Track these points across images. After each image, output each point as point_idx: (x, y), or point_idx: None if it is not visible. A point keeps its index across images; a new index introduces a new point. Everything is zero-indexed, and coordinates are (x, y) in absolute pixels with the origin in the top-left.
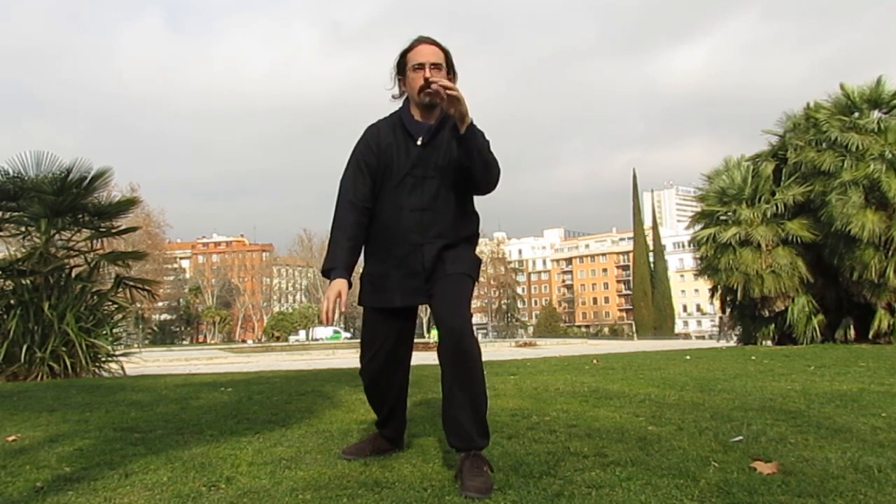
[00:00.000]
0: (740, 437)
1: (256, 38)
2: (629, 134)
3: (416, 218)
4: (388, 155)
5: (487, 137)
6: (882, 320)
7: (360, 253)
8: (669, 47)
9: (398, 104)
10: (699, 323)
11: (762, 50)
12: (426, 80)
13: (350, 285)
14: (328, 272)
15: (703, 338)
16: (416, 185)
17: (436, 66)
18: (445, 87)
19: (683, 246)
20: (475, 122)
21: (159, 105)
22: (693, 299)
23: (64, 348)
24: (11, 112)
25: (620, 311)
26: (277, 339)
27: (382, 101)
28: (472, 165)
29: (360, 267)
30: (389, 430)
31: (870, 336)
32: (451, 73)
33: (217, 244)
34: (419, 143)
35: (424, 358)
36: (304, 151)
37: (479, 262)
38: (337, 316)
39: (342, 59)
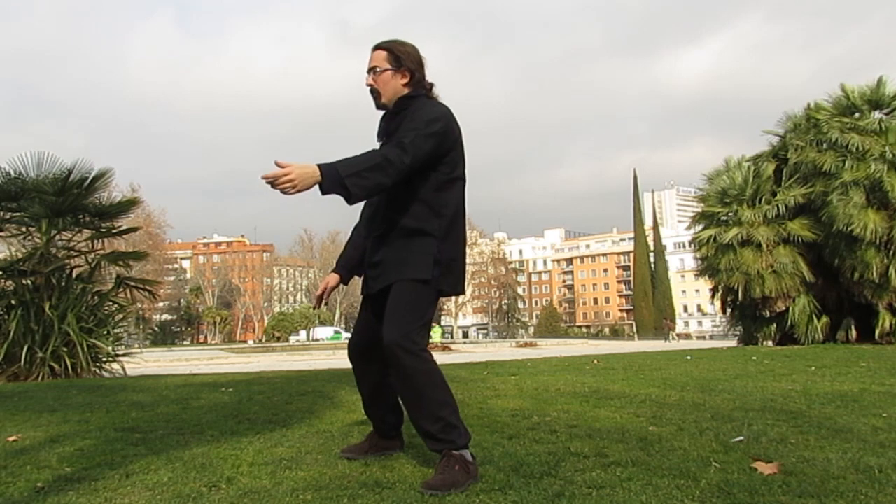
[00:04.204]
0: (741, 438)
1: (262, 38)
2: (633, 134)
3: (367, 213)
4: None
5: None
6: (885, 320)
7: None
8: (675, 48)
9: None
10: (700, 323)
11: (768, 51)
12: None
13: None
14: None
15: (703, 338)
16: None
17: (371, 69)
18: (270, 178)
19: (684, 246)
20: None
21: (165, 105)
22: (694, 300)
23: (65, 349)
24: (20, 112)
25: (621, 311)
26: (278, 339)
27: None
28: None
29: None
30: (381, 427)
31: (876, 336)
32: (402, 66)
33: (218, 244)
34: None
35: None
36: (305, 151)
37: (424, 258)
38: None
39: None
